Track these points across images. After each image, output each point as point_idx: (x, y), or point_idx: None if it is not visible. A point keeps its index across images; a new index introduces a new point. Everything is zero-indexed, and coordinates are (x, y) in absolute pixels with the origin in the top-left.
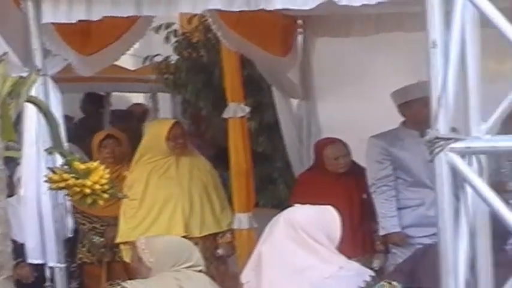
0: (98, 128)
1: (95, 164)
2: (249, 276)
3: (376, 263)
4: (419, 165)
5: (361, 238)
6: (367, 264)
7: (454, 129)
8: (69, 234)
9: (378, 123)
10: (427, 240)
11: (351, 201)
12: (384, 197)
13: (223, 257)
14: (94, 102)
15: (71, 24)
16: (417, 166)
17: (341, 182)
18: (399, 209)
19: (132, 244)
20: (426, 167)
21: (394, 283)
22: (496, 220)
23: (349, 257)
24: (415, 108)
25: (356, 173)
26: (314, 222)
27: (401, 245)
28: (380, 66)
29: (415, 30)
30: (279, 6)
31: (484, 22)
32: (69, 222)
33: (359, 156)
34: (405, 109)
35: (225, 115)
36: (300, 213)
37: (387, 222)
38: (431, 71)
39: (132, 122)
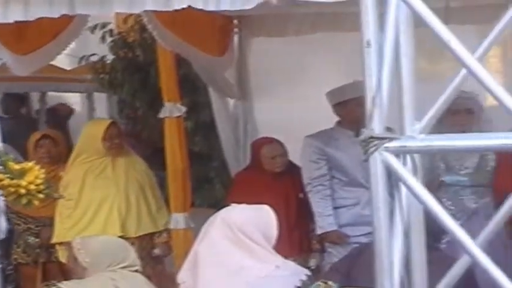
0: (25, 128)
1: (30, 164)
2: (186, 277)
3: (312, 262)
4: (354, 165)
5: (297, 237)
6: (304, 264)
7: (388, 129)
8: (3, 236)
9: (315, 123)
10: (363, 239)
11: (288, 200)
12: (319, 196)
13: (159, 257)
14: (14, 102)
15: (6, 23)
16: (352, 166)
17: (278, 182)
18: (335, 208)
19: (68, 244)
20: (361, 167)
21: (330, 283)
22: (429, 218)
23: (286, 257)
24: (349, 108)
25: (292, 172)
26: (250, 221)
27: (339, 243)
28: (317, 66)
29: (351, 30)
30: (212, 8)
31: (419, 22)
32: (3, 222)
33: (295, 156)
34: (340, 109)
35: (161, 115)
36: (237, 213)
37: (324, 221)
38: (366, 70)
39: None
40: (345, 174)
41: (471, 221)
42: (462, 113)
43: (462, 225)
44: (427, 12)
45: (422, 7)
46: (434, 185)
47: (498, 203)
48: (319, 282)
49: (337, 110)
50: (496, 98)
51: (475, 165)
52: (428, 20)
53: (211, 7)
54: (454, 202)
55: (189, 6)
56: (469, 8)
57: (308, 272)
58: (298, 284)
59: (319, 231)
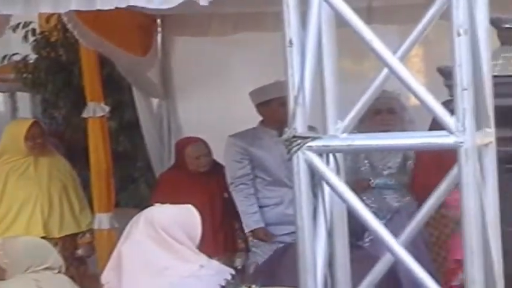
0: None
1: None
2: (109, 277)
3: (238, 262)
4: (278, 164)
5: (223, 237)
6: (229, 263)
7: (311, 128)
8: None
9: (238, 122)
10: (287, 239)
11: (213, 200)
12: (243, 195)
13: (82, 257)
14: None
15: None
16: (275, 165)
17: (202, 181)
18: (259, 207)
19: None
20: (284, 166)
21: (253, 286)
22: (352, 217)
23: (211, 256)
24: (272, 108)
25: (217, 172)
26: (174, 221)
27: (266, 240)
28: (240, 66)
29: (274, 30)
30: (132, 3)
31: (342, 22)
32: None
33: (220, 155)
34: (263, 109)
35: (85, 114)
36: (160, 213)
37: (249, 219)
38: (288, 70)
39: None
40: (268, 174)
41: (394, 220)
42: (384, 113)
43: (385, 224)
44: (349, 12)
45: (344, 7)
46: (362, 185)
47: (419, 201)
48: (243, 286)
49: (260, 110)
50: (417, 97)
51: (397, 164)
52: (350, 19)
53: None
54: (377, 201)
55: (116, 8)
56: (392, 8)
57: (233, 271)
58: (223, 283)
59: (246, 230)
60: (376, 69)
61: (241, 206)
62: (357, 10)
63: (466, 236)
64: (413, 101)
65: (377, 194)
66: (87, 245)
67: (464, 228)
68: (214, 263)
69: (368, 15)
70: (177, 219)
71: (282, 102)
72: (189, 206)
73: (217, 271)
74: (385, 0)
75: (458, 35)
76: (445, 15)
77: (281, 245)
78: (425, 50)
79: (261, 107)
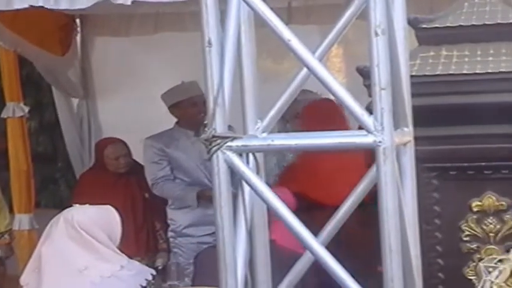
0: None
1: None
2: (29, 278)
3: (159, 262)
4: (196, 165)
5: (144, 237)
6: (151, 263)
7: (231, 128)
8: None
9: (158, 123)
10: (208, 239)
11: (134, 200)
12: (170, 185)
13: (1, 258)
14: None
15: None
16: (193, 166)
17: (123, 182)
18: (179, 209)
19: None
20: (203, 166)
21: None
22: None
23: (133, 256)
24: (183, 109)
25: (138, 172)
26: (94, 221)
27: None
28: (160, 66)
29: (194, 30)
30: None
31: (262, 22)
32: None
33: (140, 156)
34: (175, 110)
35: (3, 115)
36: (80, 213)
37: (189, 193)
38: (207, 70)
39: None
40: (186, 175)
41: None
42: None
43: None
44: (268, 11)
45: (264, 7)
46: None
47: None
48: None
49: (172, 112)
50: (336, 97)
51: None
52: (269, 19)
53: (51, 5)
54: None
55: (31, 6)
56: (311, 8)
57: (153, 272)
58: (144, 284)
59: (194, 202)
60: (296, 69)
61: (175, 191)
62: (276, 10)
63: (384, 234)
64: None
65: None
66: (5, 246)
67: (383, 226)
68: (135, 263)
69: (288, 15)
70: (97, 220)
71: (192, 103)
72: (109, 206)
73: (138, 271)
74: (305, 0)
75: (376, 35)
76: (364, 15)
77: (202, 248)
78: (345, 50)
79: (172, 109)
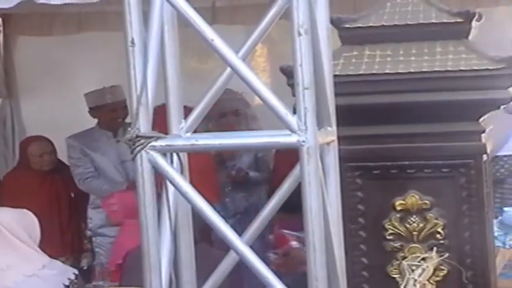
0: None
1: None
2: None
3: (84, 262)
4: (114, 166)
5: (70, 237)
6: (76, 263)
7: (154, 128)
8: None
9: (82, 123)
10: None
11: (59, 199)
12: (96, 183)
13: None
14: None
15: None
16: (111, 167)
17: (48, 181)
18: (95, 208)
19: None
20: (121, 167)
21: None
22: (197, 216)
23: (58, 256)
24: (102, 113)
25: (63, 171)
26: (15, 221)
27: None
28: (84, 66)
29: (118, 30)
30: None
31: (186, 21)
32: None
33: (65, 156)
34: (94, 113)
35: None
36: (3, 213)
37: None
38: (131, 69)
39: None
40: (105, 176)
41: (243, 219)
42: (229, 115)
43: (236, 223)
44: (191, 11)
45: (187, 6)
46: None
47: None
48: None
49: (92, 114)
50: (259, 96)
51: (247, 165)
52: (192, 19)
53: None
54: (230, 200)
55: None
56: (236, 8)
57: (76, 271)
58: (66, 283)
59: None
60: (222, 68)
61: (102, 186)
62: (200, 10)
63: (308, 233)
64: (258, 100)
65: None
66: None
67: (307, 226)
68: (57, 263)
69: (212, 15)
70: (20, 220)
71: (112, 108)
72: (25, 210)
73: (61, 271)
74: (229, 0)
75: (299, 34)
76: (287, 15)
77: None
78: (270, 50)
79: (92, 111)
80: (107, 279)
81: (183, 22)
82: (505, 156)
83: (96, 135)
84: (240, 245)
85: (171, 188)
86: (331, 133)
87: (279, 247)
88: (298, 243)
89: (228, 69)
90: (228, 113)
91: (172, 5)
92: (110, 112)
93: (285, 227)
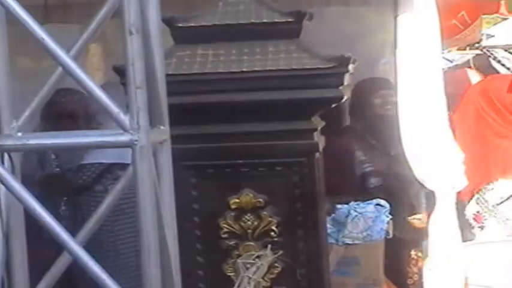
0: None
1: None
2: None
3: None
4: None
5: None
6: None
7: None
8: None
9: None
10: None
11: None
12: None
13: None
14: None
15: None
16: None
17: None
18: None
19: None
20: None
21: None
22: (30, 217)
23: None
24: None
25: None
26: None
27: None
28: None
29: None
30: None
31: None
32: None
33: None
34: None
35: None
36: None
37: None
38: None
39: None
40: None
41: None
42: (66, 119)
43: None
44: (20, 9)
45: (16, 4)
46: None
47: None
48: None
49: None
50: (91, 95)
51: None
52: (20, 17)
53: None
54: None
55: None
56: (69, 7)
57: None
58: None
59: None
60: (55, 67)
61: None
62: (32, 8)
63: (142, 233)
64: None
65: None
66: None
67: (141, 226)
68: None
69: (45, 13)
70: None
71: None
72: None
73: None
74: None
75: (130, 33)
76: (120, 14)
77: None
78: (104, 49)
79: None
80: None
81: (14, 20)
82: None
83: None
84: (74, 245)
85: (2, 189)
86: (164, 132)
87: None
88: None
89: (60, 69)
90: (64, 115)
91: (1, 3)
92: None
93: None
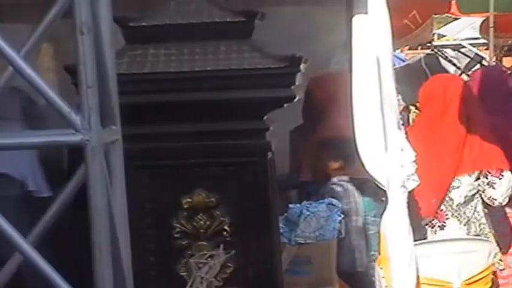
0: None
1: None
2: None
3: None
4: None
5: None
6: None
7: None
8: None
9: None
10: None
11: None
12: None
13: None
14: None
15: None
16: None
17: None
18: None
19: None
20: None
21: None
22: None
23: None
24: None
25: None
26: None
27: None
28: None
29: None
30: None
31: None
32: None
33: None
34: None
35: None
36: None
37: None
38: None
39: None
40: None
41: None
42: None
43: None
44: None
45: None
46: None
47: None
48: None
49: None
50: (42, 95)
51: None
52: None
53: None
54: None
55: None
56: (20, 6)
57: None
58: None
59: None
60: (6, 68)
61: None
62: None
63: (94, 234)
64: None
65: None
66: None
67: (93, 226)
68: None
69: None
70: None
71: None
72: None
73: None
74: None
75: (81, 33)
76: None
77: None
78: (56, 48)
79: None
80: None
81: None
82: None
83: None
84: (25, 246)
85: None
86: (115, 132)
87: None
88: None
89: (11, 69)
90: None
91: None
92: None
93: None
